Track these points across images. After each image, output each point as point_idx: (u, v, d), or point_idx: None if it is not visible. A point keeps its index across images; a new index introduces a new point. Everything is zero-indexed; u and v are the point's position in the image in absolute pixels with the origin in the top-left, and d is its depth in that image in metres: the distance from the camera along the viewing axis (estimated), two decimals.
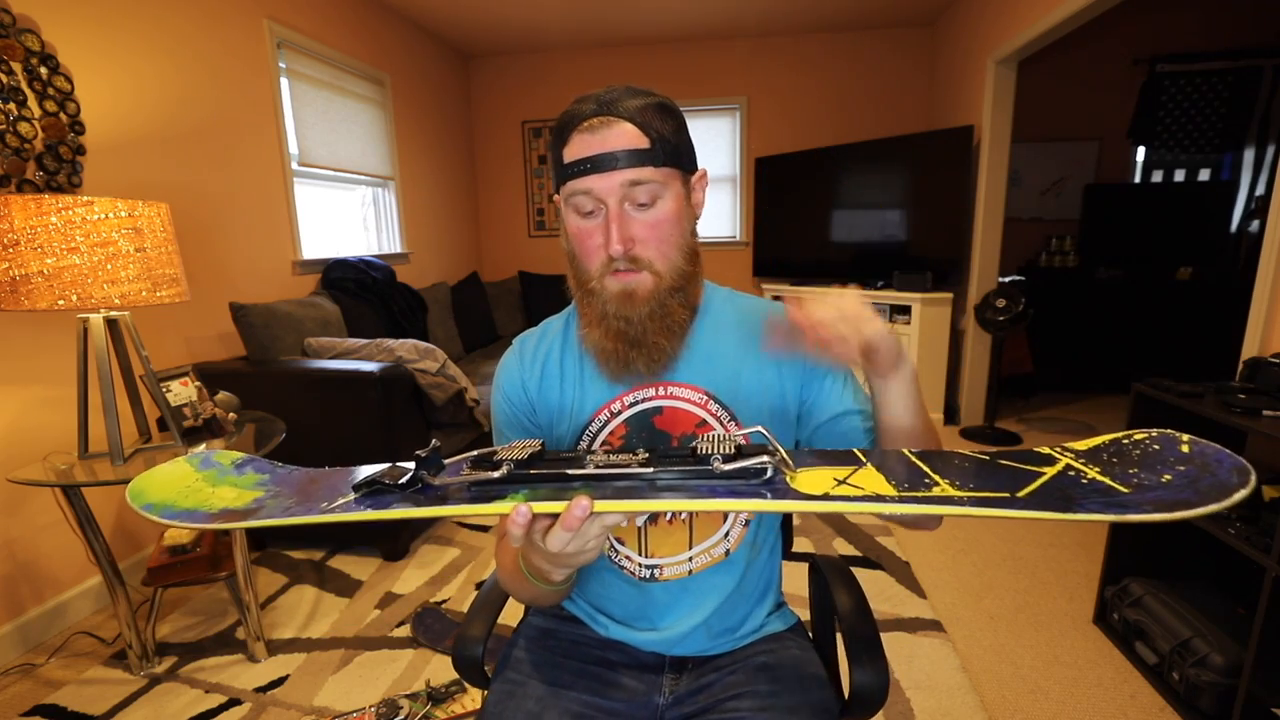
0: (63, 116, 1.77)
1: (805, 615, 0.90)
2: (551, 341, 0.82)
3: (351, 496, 0.54)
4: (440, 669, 1.58)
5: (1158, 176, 4.21)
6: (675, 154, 0.69)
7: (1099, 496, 0.43)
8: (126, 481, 1.38)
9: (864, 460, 0.54)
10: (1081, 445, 0.52)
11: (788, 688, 0.73)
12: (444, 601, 1.88)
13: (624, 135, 0.66)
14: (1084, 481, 0.46)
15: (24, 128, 1.67)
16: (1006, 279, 3.70)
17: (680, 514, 0.77)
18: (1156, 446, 0.47)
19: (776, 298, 0.82)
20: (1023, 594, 1.87)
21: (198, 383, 1.67)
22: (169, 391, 1.59)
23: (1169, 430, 0.48)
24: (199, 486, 0.58)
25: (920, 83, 4.09)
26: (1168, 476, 0.43)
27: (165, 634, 1.77)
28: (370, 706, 1.43)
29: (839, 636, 0.82)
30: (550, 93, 4.44)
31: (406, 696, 1.45)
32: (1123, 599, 1.61)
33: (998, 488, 0.46)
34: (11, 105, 1.65)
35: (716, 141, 4.40)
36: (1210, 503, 0.38)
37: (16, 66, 1.66)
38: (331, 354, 2.23)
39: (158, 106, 2.11)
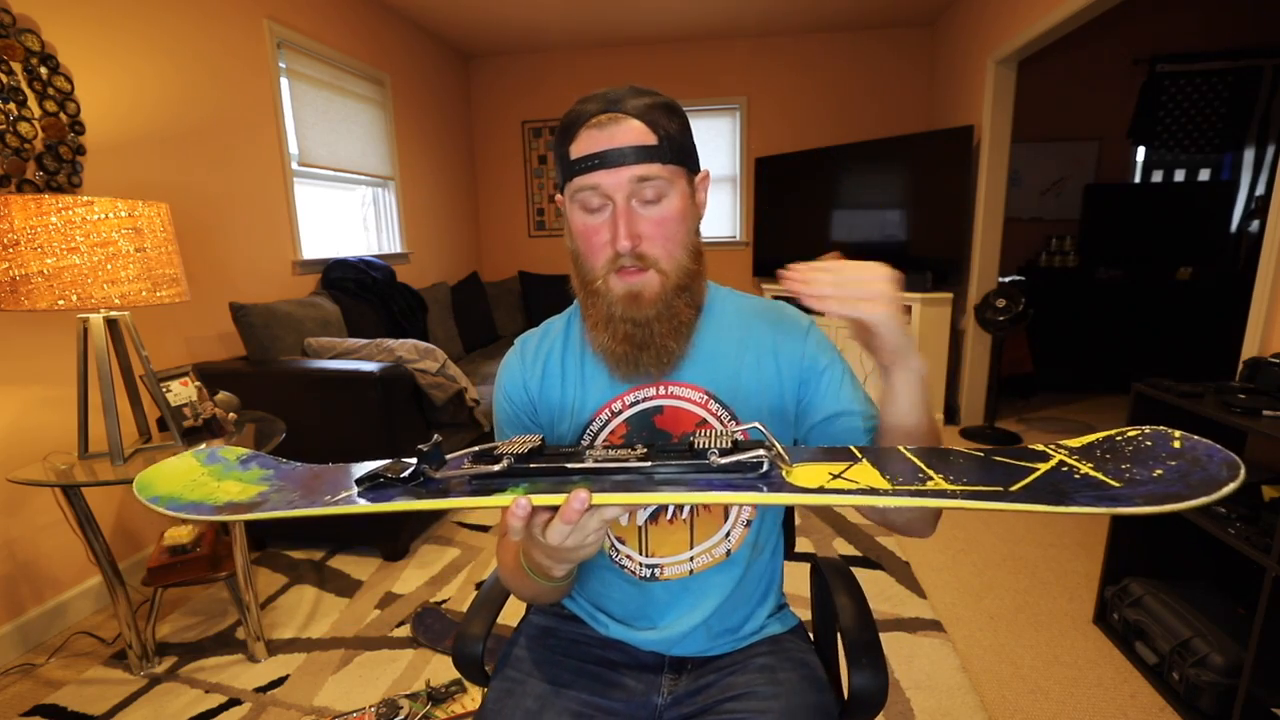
0: (63, 116, 1.77)
1: (806, 615, 0.90)
2: (553, 341, 0.82)
3: (354, 490, 0.55)
4: (440, 669, 1.58)
5: (1158, 176, 4.21)
6: (681, 152, 0.69)
7: (1091, 490, 0.43)
8: (127, 482, 1.39)
9: (859, 456, 0.54)
10: (1075, 442, 0.53)
11: (787, 690, 0.73)
12: (444, 602, 1.88)
13: (632, 132, 0.66)
14: (1076, 476, 0.46)
15: (24, 128, 1.68)
16: (1006, 279, 3.70)
17: (681, 513, 0.77)
18: (1149, 442, 0.47)
19: (777, 297, 0.82)
20: (1023, 594, 1.87)
21: (198, 383, 1.68)
22: (169, 391, 1.59)
23: (1161, 427, 0.48)
24: (204, 480, 0.59)
25: (920, 83, 4.09)
26: (1159, 471, 0.43)
27: (165, 634, 1.77)
28: (370, 706, 1.44)
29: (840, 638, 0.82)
30: (550, 93, 4.44)
31: (406, 696, 1.45)
32: (1123, 599, 1.61)
33: (991, 482, 0.46)
34: (11, 105, 1.65)
35: (716, 141, 4.40)
36: (1200, 495, 0.38)
37: (16, 66, 1.66)
38: (331, 354, 2.23)
39: (157, 106, 2.11)
